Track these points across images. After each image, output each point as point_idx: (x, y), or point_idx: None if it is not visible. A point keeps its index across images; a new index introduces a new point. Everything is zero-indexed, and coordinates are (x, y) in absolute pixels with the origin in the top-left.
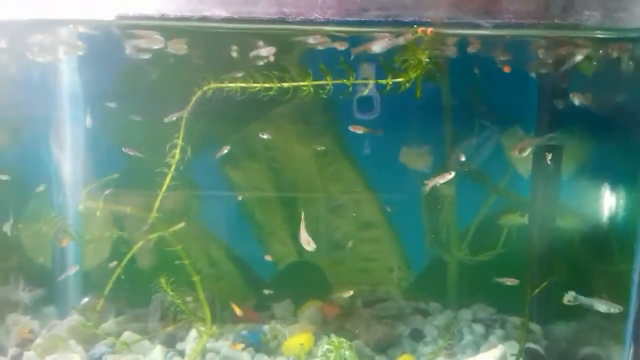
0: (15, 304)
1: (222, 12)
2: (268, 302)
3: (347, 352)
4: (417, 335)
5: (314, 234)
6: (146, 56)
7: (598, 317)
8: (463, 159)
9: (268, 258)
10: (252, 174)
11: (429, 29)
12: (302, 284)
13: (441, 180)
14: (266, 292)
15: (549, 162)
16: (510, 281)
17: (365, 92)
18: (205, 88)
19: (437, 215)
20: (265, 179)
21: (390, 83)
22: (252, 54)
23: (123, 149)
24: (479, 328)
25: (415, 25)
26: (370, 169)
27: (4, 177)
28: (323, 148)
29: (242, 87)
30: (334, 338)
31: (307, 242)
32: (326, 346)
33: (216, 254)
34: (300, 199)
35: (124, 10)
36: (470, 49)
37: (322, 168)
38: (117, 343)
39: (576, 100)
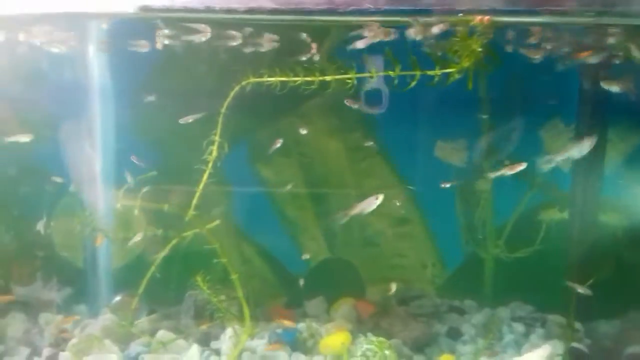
0: (48, 303)
1: (269, 4)
2: (300, 299)
3: (387, 352)
4: (455, 334)
5: (345, 230)
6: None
7: None
8: (507, 162)
9: (305, 256)
10: (283, 170)
11: (486, 17)
12: (334, 280)
13: (510, 171)
14: (300, 282)
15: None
16: (582, 289)
17: (412, 84)
18: (243, 83)
19: (472, 210)
20: (296, 174)
21: (439, 74)
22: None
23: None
24: (519, 327)
25: (470, 14)
26: (404, 163)
27: (58, 180)
28: (371, 144)
29: (282, 82)
30: (373, 337)
31: (371, 202)
32: (365, 345)
33: (248, 250)
34: (332, 194)
35: (168, 3)
36: (531, 40)
37: (354, 163)
38: (153, 342)
39: (614, 88)
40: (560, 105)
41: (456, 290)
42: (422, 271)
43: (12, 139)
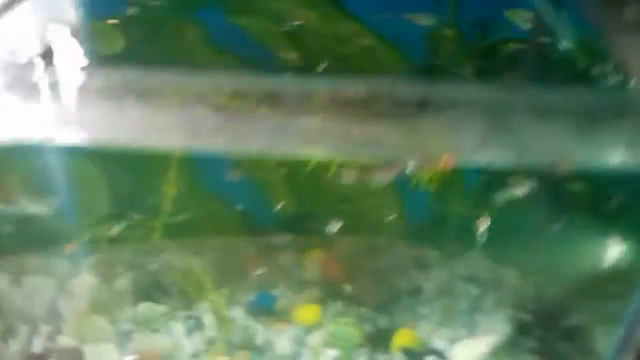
0: None
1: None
2: (270, 251)
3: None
4: (416, 292)
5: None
6: None
7: None
8: None
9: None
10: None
11: (450, 161)
12: (303, 233)
13: None
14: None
15: None
16: None
17: None
18: None
19: None
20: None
21: None
22: None
23: None
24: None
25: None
26: None
27: None
28: None
29: None
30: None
31: None
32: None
33: (214, 205)
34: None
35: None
36: None
37: None
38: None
39: None
40: None
41: (420, 242)
42: (387, 223)
43: None
